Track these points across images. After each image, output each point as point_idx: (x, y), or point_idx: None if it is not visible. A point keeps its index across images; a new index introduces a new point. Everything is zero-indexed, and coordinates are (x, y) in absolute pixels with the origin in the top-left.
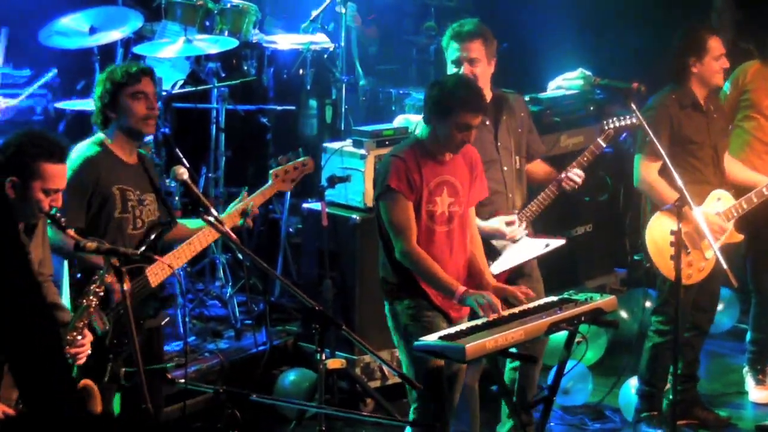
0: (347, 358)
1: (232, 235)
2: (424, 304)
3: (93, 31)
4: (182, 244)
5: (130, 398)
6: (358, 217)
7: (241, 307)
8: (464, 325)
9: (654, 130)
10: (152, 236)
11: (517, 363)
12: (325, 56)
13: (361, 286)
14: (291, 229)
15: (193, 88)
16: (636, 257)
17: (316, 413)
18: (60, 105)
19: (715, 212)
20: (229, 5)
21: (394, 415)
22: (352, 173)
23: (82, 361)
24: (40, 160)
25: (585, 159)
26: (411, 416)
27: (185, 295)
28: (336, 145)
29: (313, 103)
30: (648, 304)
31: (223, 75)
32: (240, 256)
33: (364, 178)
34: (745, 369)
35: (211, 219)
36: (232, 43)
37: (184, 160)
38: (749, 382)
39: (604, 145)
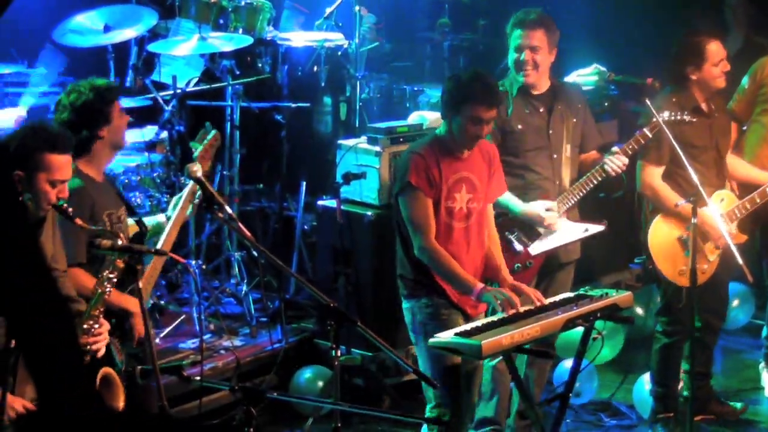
0: (363, 355)
1: (247, 233)
2: (441, 302)
3: (107, 29)
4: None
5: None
6: (372, 214)
7: (257, 304)
8: (480, 322)
9: (657, 135)
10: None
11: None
12: (340, 53)
13: (376, 282)
14: (306, 227)
15: (208, 86)
16: (637, 260)
17: (331, 410)
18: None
19: (718, 214)
20: (243, 2)
21: (409, 412)
22: (366, 170)
23: (101, 351)
24: (44, 152)
25: (630, 147)
26: (427, 414)
27: (201, 293)
28: (350, 142)
29: (327, 100)
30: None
31: (238, 72)
32: (255, 253)
33: (378, 175)
34: (761, 365)
35: (225, 217)
36: (247, 40)
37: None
38: (765, 378)
39: (650, 135)
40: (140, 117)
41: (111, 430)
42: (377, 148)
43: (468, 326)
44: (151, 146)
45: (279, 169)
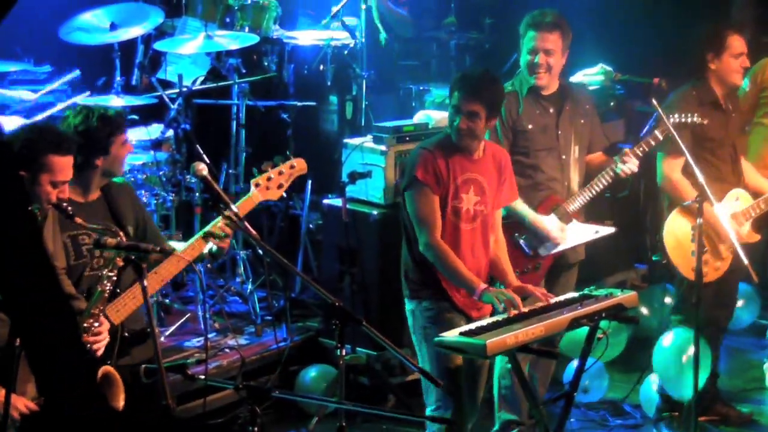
0: (368, 354)
1: (252, 231)
2: (444, 305)
3: (114, 27)
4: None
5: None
6: (378, 213)
7: (262, 303)
8: (485, 321)
9: (675, 127)
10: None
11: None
12: (346, 52)
13: (381, 281)
14: (311, 225)
15: (214, 84)
16: (654, 258)
17: (336, 409)
18: (81, 101)
19: (732, 212)
20: (249, 1)
21: (414, 411)
22: (372, 169)
23: (101, 350)
24: (48, 153)
25: (641, 149)
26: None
27: (206, 292)
28: (356, 141)
29: (333, 98)
30: (668, 300)
31: (244, 71)
32: (260, 252)
33: (384, 174)
34: (766, 365)
35: (231, 215)
36: (253, 39)
37: (204, 156)
38: None
39: (661, 138)
40: (146, 115)
41: (113, 428)
42: (383, 147)
43: (473, 326)
44: (156, 144)
45: None
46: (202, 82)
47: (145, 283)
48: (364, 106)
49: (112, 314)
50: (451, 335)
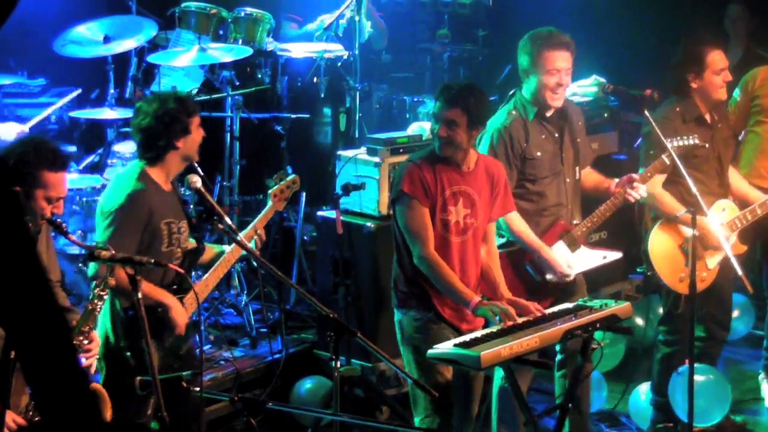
0: (362, 366)
1: (247, 244)
2: (430, 316)
3: (107, 40)
4: (208, 273)
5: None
6: (372, 225)
7: (257, 315)
8: (479, 333)
9: (659, 144)
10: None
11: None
12: (339, 64)
13: (376, 293)
14: (306, 237)
15: (207, 97)
16: (639, 270)
17: (331, 421)
18: (75, 114)
19: (719, 223)
20: (243, 14)
21: (409, 422)
22: (366, 181)
23: (92, 368)
24: (42, 169)
25: (649, 174)
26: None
27: (200, 304)
28: (350, 153)
29: (327, 111)
30: (660, 310)
31: (237, 83)
32: (255, 264)
33: (378, 185)
34: (761, 375)
35: (224, 228)
36: (246, 51)
37: (198, 169)
38: (765, 389)
39: (668, 162)
40: None
41: None
42: (377, 159)
43: (467, 337)
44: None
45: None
46: (196, 95)
47: (140, 295)
48: (357, 118)
49: (203, 289)
50: (445, 347)
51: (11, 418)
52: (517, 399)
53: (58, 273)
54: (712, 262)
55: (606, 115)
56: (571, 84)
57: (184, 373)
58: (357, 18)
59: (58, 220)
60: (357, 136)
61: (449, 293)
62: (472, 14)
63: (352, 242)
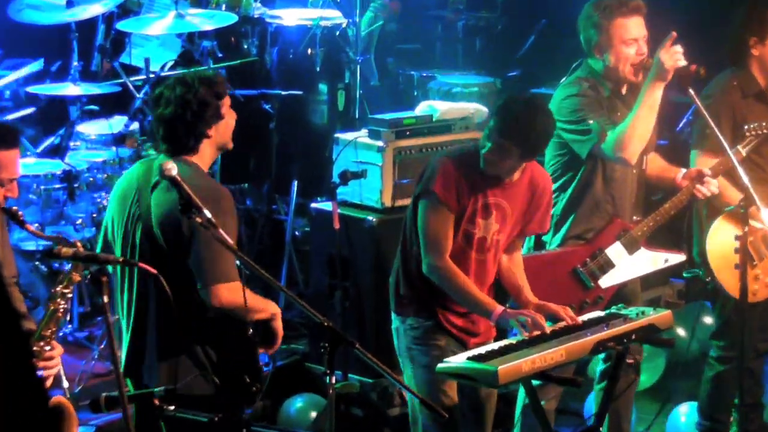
0: (362, 382)
1: (228, 239)
2: (430, 325)
3: (70, 4)
4: None
5: None
6: (374, 219)
7: None
8: (496, 345)
9: (714, 122)
10: None
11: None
12: (337, 33)
13: (377, 298)
14: (297, 233)
15: (186, 70)
16: (686, 274)
17: None
18: (33, 89)
19: None
20: None
21: None
22: (367, 168)
23: (50, 379)
24: None
25: (721, 167)
26: None
27: (175, 308)
28: (349, 135)
29: (323, 87)
30: (708, 320)
31: (220, 55)
32: (238, 263)
33: (381, 173)
34: None
35: (203, 221)
36: (231, 18)
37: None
38: None
39: (744, 153)
40: (108, 105)
41: None
42: (380, 143)
43: (482, 349)
44: (119, 139)
45: (267, 167)
46: (172, 68)
47: (106, 298)
48: (358, 95)
49: None
50: (457, 360)
51: None
52: (539, 421)
53: (14, 269)
54: None
55: None
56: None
57: (156, 390)
58: None
59: (14, 207)
60: (357, 116)
61: (467, 304)
62: None
63: (350, 238)
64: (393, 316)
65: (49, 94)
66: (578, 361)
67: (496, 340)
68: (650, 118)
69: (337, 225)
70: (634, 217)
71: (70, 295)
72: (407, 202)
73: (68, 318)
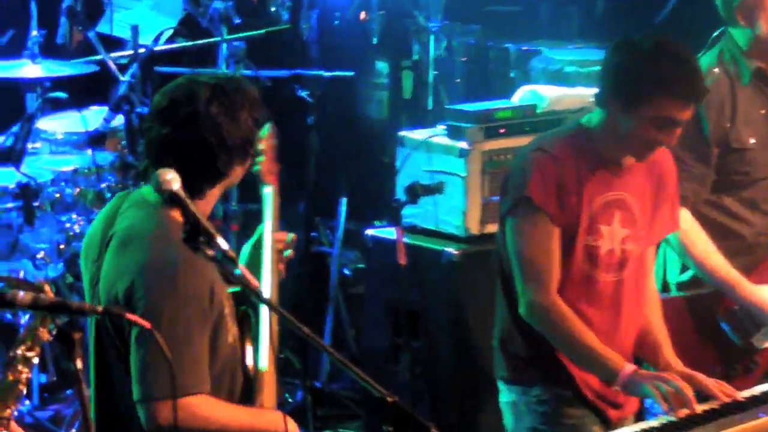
0: None
1: (254, 281)
2: (566, 395)
3: None
4: None
5: None
6: (455, 252)
7: None
8: (633, 429)
9: None
10: None
11: None
12: None
13: (462, 362)
14: (346, 271)
15: (188, 43)
16: None
17: None
18: None
19: None
20: None
21: None
22: (446, 180)
23: None
24: None
25: None
26: None
27: None
28: (420, 134)
29: (382, 66)
30: None
31: (238, 21)
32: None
33: (465, 187)
34: None
35: (217, 255)
36: None
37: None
38: None
39: None
40: (80, 92)
41: None
42: (463, 145)
43: None
44: (97, 139)
45: (303, 177)
46: (170, 40)
47: (79, 363)
48: (431, 77)
49: None
50: None
51: None
52: None
53: None
54: None
55: None
56: None
57: None
58: None
59: None
60: (431, 107)
61: (583, 361)
62: None
63: (422, 279)
64: (503, 386)
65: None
66: None
67: (638, 412)
68: None
69: (402, 260)
70: None
71: (35, 360)
72: None
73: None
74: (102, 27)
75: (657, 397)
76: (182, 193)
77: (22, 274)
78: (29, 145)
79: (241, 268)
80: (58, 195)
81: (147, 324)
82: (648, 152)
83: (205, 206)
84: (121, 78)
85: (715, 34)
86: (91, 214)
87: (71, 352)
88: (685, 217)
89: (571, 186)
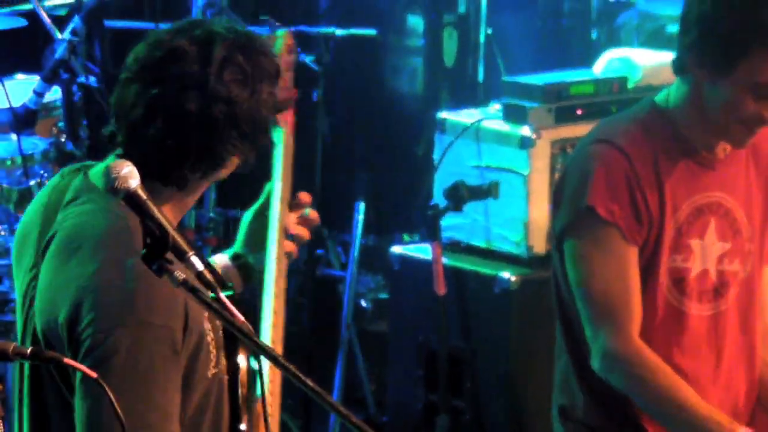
0: None
1: (240, 317)
2: None
3: None
4: None
5: None
6: (514, 278)
7: None
8: None
9: None
10: None
11: None
12: None
13: (520, 427)
14: (364, 303)
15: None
16: None
17: None
18: None
19: None
20: None
21: None
22: (501, 179)
23: None
24: None
25: None
26: None
27: None
28: (466, 116)
29: (415, 23)
30: None
31: None
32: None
33: (527, 190)
34: None
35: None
36: None
37: None
38: None
39: None
40: (4, 55)
41: None
42: (525, 132)
43: None
44: (25, 120)
45: (308, 174)
46: None
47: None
48: (483, 38)
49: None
50: None
51: None
52: None
53: None
54: None
55: None
56: None
57: None
58: None
59: None
60: (482, 79)
61: (681, 427)
62: None
63: (467, 315)
64: None
65: None
66: None
67: None
68: None
69: (441, 289)
70: None
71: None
72: None
73: None
74: None
75: None
76: (143, 194)
77: None
78: None
79: (222, 298)
80: None
81: (92, 373)
82: (749, 134)
83: (180, 206)
84: (58, 36)
85: None
86: (14, 223)
87: None
88: None
89: (647, 188)
